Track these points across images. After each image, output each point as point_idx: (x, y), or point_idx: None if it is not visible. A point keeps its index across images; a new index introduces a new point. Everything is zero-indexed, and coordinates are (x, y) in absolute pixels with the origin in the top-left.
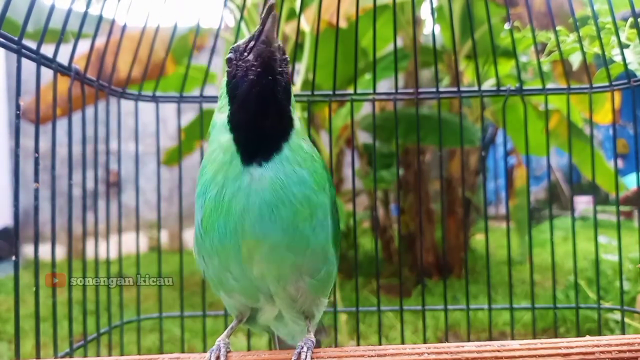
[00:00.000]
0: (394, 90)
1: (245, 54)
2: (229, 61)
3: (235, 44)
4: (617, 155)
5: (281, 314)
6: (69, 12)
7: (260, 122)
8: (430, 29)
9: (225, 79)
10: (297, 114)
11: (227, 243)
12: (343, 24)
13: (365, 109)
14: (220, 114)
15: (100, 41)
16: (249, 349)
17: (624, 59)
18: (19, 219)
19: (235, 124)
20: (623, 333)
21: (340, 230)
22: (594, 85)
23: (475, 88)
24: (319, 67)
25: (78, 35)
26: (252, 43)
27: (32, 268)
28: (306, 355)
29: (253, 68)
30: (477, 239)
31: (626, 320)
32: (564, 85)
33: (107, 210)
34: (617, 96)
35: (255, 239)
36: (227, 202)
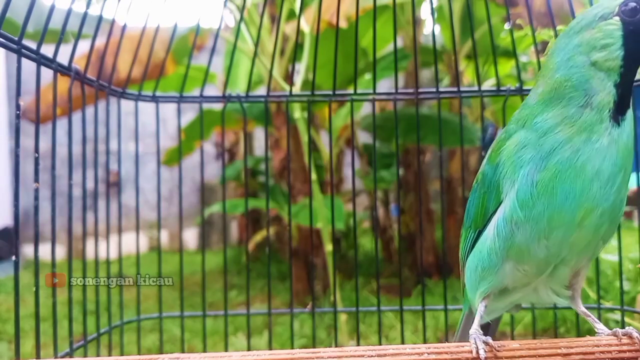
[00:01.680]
0: (394, 90)
1: None
2: (631, 11)
3: None
4: None
5: (548, 292)
6: (69, 12)
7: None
8: (430, 29)
9: (619, 27)
10: None
11: (567, 207)
12: (343, 24)
13: (365, 109)
14: (595, 69)
15: (100, 41)
16: (249, 349)
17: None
18: (19, 219)
19: (622, 77)
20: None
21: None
22: None
23: (475, 88)
24: (319, 67)
25: (78, 35)
26: None
27: (32, 268)
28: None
29: None
30: None
31: (626, 320)
32: None
33: (107, 210)
34: None
35: (594, 204)
36: (580, 165)
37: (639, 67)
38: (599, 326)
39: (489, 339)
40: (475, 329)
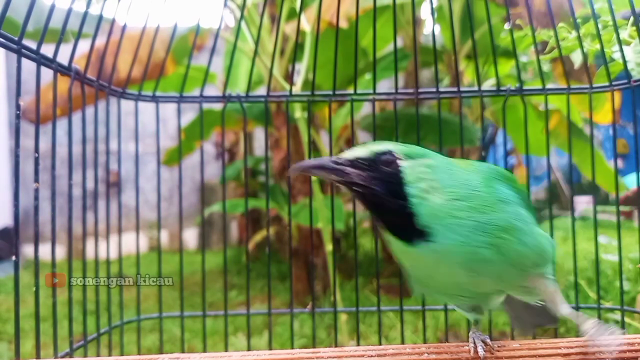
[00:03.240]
0: (394, 90)
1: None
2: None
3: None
4: (617, 155)
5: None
6: (69, 12)
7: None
8: (430, 29)
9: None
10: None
11: (448, 290)
12: (343, 24)
13: (365, 109)
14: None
15: (100, 41)
16: (249, 349)
17: (623, 59)
18: (19, 219)
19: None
20: (623, 333)
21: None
22: (594, 85)
23: (475, 88)
24: (319, 67)
25: (78, 35)
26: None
27: (32, 268)
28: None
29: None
30: None
31: (626, 320)
32: (564, 85)
33: (107, 210)
34: (617, 96)
35: (473, 292)
36: (430, 274)
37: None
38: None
39: (487, 338)
40: (473, 329)
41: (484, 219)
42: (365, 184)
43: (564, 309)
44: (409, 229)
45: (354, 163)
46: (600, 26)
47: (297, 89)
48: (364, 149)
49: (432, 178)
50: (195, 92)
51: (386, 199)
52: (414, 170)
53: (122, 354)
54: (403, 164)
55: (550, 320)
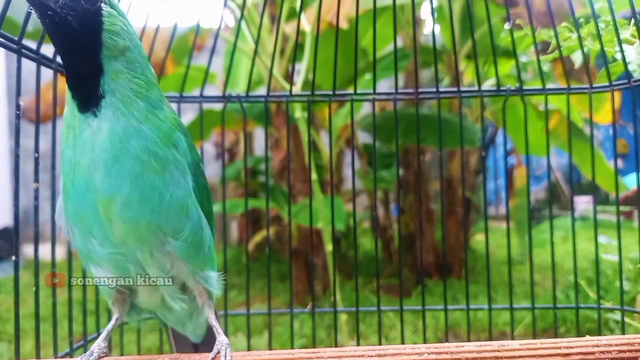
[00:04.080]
0: (394, 90)
1: None
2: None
3: None
4: (617, 155)
5: (164, 296)
6: None
7: (73, 65)
8: (430, 29)
9: None
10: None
11: (85, 203)
12: (343, 25)
13: (365, 109)
14: None
15: None
16: (249, 349)
17: (624, 59)
18: (19, 219)
19: (70, 71)
20: (623, 333)
21: (210, 197)
22: (594, 85)
23: (475, 88)
24: (319, 67)
25: None
26: None
27: (32, 268)
28: (225, 353)
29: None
30: (477, 239)
31: (626, 320)
32: (564, 85)
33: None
34: (617, 96)
35: (107, 195)
36: (78, 159)
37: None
38: (219, 338)
39: (95, 353)
40: (98, 342)
41: (150, 134)
42: (59, 10)
43: (210, 314)
44: (89, 86)
45: None
46: (602, 25)
47: (297, 89)
48: None
49: (130, 46)
50: (195, 92)
51: (79, 37)
52: (115, 21)
53: (122, 354)
54: (106, 8)
55: (189, 345)
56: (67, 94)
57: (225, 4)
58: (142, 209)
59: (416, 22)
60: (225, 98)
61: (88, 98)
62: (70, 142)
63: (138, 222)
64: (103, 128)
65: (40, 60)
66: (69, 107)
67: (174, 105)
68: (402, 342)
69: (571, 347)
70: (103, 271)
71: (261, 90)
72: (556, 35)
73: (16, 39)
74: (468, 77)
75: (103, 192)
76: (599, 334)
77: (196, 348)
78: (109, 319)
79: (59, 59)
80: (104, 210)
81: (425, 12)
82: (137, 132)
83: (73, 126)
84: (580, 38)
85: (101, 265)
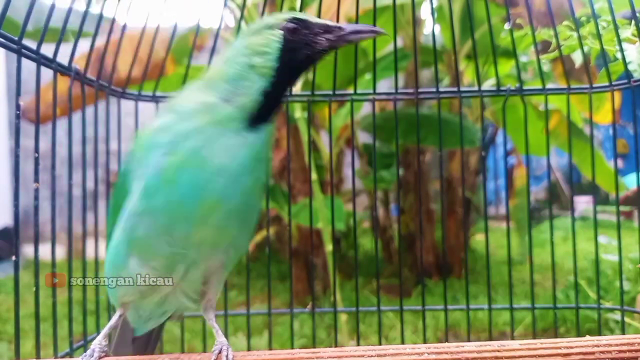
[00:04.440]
0: (394, 90)
1: (321, 33)
2: (292, 30)
3: (302, 18)
4: (617, 155)
5: (184, 296)
6: (69, 11)
7: (286, 90)
8: (430, 29)
9: (279, 39)
10: None
11: (188, 198)
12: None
13: (365, 109)
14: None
15: (100, 41)
16: (249, 349)
17: (624, 58)
18: (19, 219)
19: (271, 85)
20: (623, 333)
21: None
22: (594, 85)
23: (475, 88)
24: (319, 67)
25: (78, 35)
26: (338, 32)
27: (32, 268)
28: (227, 353)
29: (320, 48)
30: (477, 239)
31: (626, 320)
32: (564, 85)
33: (107, 210)
34: (617, 96)
35: (217, 200)
36: (206, 155)
37: (290, 82)
38: (220, 339)
39: (95, 352)
40: (99, 339)
41: (269, 151)
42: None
43: (212, 317)
44: (277, 106)
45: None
46: (604, 24)
47: (297, 89)
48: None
49: None
50: None
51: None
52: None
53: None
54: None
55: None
56: (221, 109)
57: (225, 4)
58: (238, 218)
59: (416, 22)
60: None
61: (265, 116)
62: (206, 133)
63: (228, 229)
64: (254, 146)
65: (40, 60)
66: (222, 114)
67: None
68: (402, 342)
69: (571, 347)
70: (148, 267)
71: None
72: (556, 35)
73: (16, 39)
74: (468, 77)
75: (215, 195)
76: (599, 334)
77: (133, 341)
78: (109, 318)
79: (59, 59)
80: (204, 212)
81: (425, 12)
82: (267, 148)
83: (222, 123)
84: (580, 37)
85: (153, 260)
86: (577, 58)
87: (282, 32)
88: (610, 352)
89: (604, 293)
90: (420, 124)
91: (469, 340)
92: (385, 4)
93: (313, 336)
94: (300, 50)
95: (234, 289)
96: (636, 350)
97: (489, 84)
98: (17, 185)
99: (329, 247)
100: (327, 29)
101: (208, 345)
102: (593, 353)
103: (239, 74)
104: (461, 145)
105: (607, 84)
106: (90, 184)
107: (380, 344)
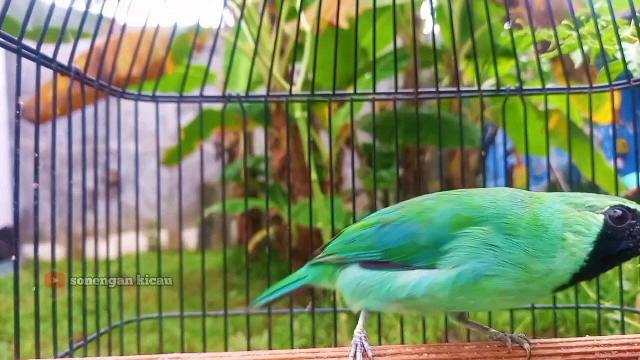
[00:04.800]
0: (394, 90)
1: None
2: (618, 218)
3: (632, 208)
4: (617, 155)
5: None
6: (69, 11)
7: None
8: (430, 29)
9: (600, 224)
10: None
11: (489, 298)
12: (343, 25)
13: (365, 109)
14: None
15: (100, 41)
16: (249, 349)
17: (624, 58)
18: (19, 219)
19: (581, 270)
20: (623, 333)
21: None
22: (593, 85)
23: (475, 88)
24: (319, 67)
25: (78, 35)
26: None
27: (32, 268)
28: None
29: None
30: None
31: (626, 320)
32: (564, 85)
33: (107, 210)
34: (617, 96)
35: (500, 303)
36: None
37: (602, 271)
38: (492, 330)
39: (365, 343)
40: (360, 330)
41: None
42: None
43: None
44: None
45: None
46: (603, 24)
47: (297, 89)
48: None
49: None
50: (195, 92)
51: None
52: None
53: (122, 354)
54: None
55: None
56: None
57: (225, 4)
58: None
59: (416, 22)
60: (225, 98)
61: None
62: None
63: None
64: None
65: (40, 60)
66: (542, 270)
67: (174, 106)
68: (402, 342)
69: (571, 347)
70: (407, 309)
71: (261, 90)
72: (556, 35)
73: (16, 39)
74: (468, 77)
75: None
76: (599, 334)
77: None
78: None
79: (59, 59)
80: (495, 296)
81: (425, 12)
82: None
83: (524, 270)
84: (580, 37)
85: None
86: (577, 58)
87: (604, 217)
88: (610, 352)
89: (604, 293)
90: (420, 124)
91: (469, 341)
92: (385, 4)
93: (313, 336)
94: (621, 241)
95: (234, 289)
96: (636, 350)
97: (489, 84)
98: (17, 185)
99: None
100: None
101: (208, 345)
102: (593, 353)
103: (555, 238)
104: (461, 145)
105: (607, 84)
106: (90, 184)
107: (380, 344)
